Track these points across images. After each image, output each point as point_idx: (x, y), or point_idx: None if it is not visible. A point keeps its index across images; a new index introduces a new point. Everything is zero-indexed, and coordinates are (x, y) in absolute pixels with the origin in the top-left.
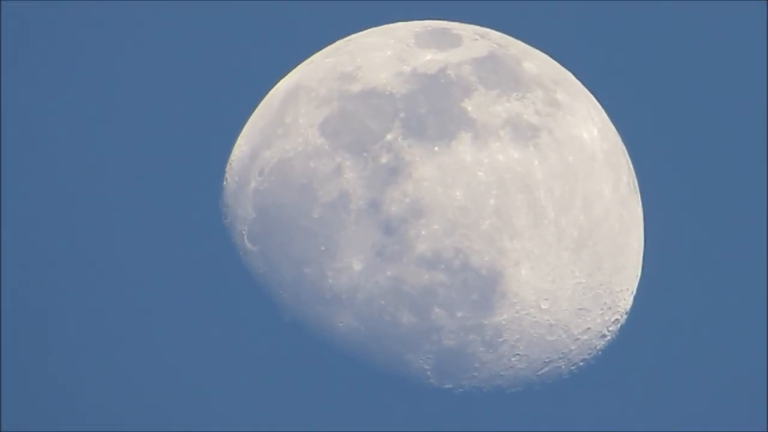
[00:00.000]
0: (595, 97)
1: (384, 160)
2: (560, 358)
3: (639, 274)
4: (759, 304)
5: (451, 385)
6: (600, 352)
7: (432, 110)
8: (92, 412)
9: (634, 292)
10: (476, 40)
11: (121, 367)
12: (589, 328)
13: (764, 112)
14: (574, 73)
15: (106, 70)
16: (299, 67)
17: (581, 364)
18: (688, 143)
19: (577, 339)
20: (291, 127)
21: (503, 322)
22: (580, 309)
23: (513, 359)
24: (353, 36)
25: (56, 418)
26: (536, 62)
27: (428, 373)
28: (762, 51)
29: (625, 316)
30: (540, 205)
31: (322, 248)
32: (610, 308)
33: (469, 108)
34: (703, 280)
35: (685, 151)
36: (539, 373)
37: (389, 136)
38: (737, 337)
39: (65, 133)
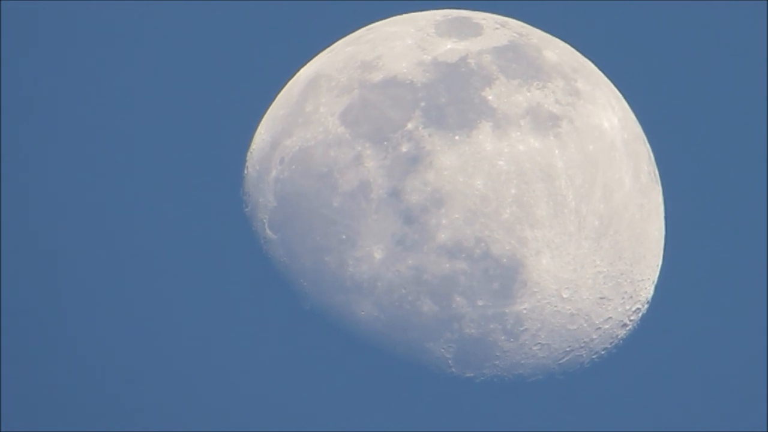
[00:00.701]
0: (616, 86)
1: (404, 149)
2: (581, 347)
3: (660, 264)
4: None
5: (472, 374)
6: (621, 341)
7: (452, 99)
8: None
9: (656, 282)
10: (497, 29)
11: (150, 350)
12: (611, 318)
13: None
14: (594, 62)
15: (128, 60)
16: (320, 55)
17: (603, 353)
18: (710, 132)
19: (599, 328)
20: (312, 115)
21: (524, 311)
22: (601, 298)
23: (534, 348)
24: (374, 25)
25: (64, 418)
26: (557, 51)
27: (449, 361)
28: None
29: (646, 306)
30: (560, 194)
31: (343, 237)
32: (631, 297)
33: (490, 97)
34: (724, 269)
35: (706, 141)
36: (560, 362)
37: (410, 125)
38: (760, 328)
39: (89, 124)
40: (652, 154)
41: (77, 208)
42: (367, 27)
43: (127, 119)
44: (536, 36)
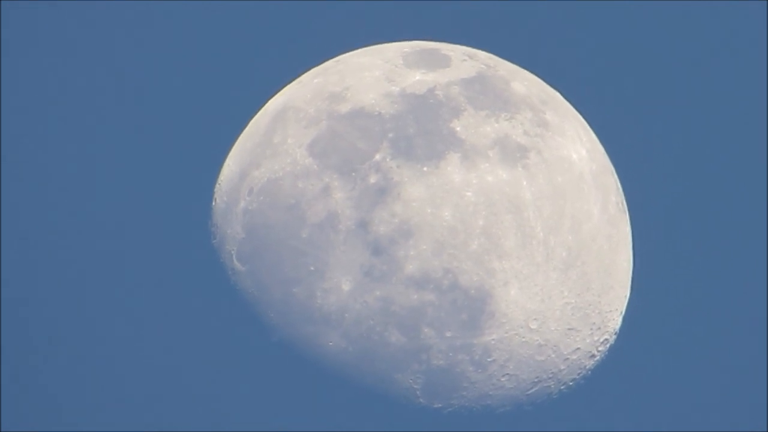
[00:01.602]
0: (584, 118)
1: (372, 180)
2: (550, 378)
3: (628, 294)
4: (748, 323)
5: (440, 405)
6: (589, 372)
7: (421, 131)
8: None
9: (623, 312)
10: (465, 61)
11: (113, 387)
12: (579, 348)
13: (757, 134)
14: (562, 94)
15: (96, 89)
16: (288, 87)
17: (571, 383)
18: (677, 164)
19: (567, 359)
20: (279, 147)
21: (492, 342)
22: (569, 329)
23: (502, 379)
24: (342, 56)
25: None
26: (525, 83)
27: (417, 392)
28: (751, 73)
29: (614, 336)
30: (529, 226)
31: (311, 268)
32: (599, 328)
33: (458, 128)
34: (691, 299)
35: (674, 172)
36: (529, 392)
37: (378, 156)
38: (727, 357)
39: (50, 158)
40: (620, 186)
41: (33, 240)
42: (336, 58)
43: (95, 149)
44: (504, 68)
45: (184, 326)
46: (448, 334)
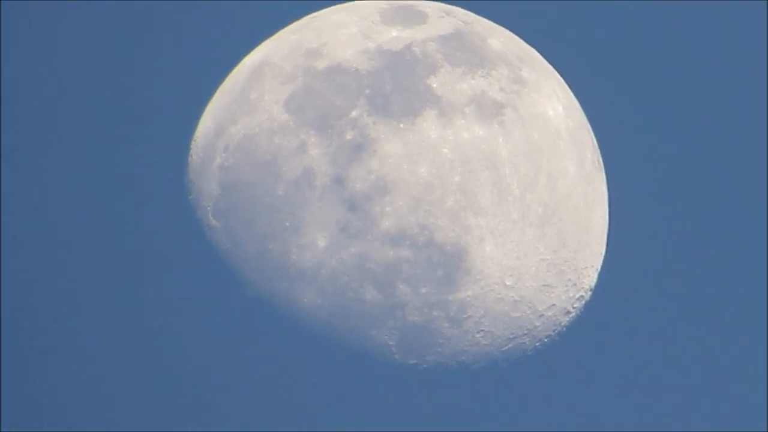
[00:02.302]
0: (561, 75)
1: (349, 136)
2: (525, 335)
3: (603, 251)
4: (723, 280)
5: (415, 361)
6: (564, 329)
7: (397, 87)
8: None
9: (599, 269)
10: (441, 18)
11: (88, 338)
12: (554, 305)
13: (728, 88)
14: (539, 51)
15: (71, 46)
16: (264, 43)
17: (546, 340)
18: (654, 120)
19: (542, 315)
20: (256, 103)
21: (468, 299)
22: (544, 285)
23: (477, 335)
24: (318, 13)
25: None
26: (501, 39)
27: (393, 348)
28: (719, 27)
29: (589, 293)
30: (505, 182)
31: (287, 224)
32: (574, 285)
33: (434, 85)
34: (667, 257)
35: (651, 129)
36: (504, 349)
37: (354, 113)
38: (701, 314)
39: (26, 111)
40: (596, 143)
41: (14, 195)
42: (312, 15)
43: (71, 108)
44: (481, 24)
45: (159, 281)
46: (424, 291)
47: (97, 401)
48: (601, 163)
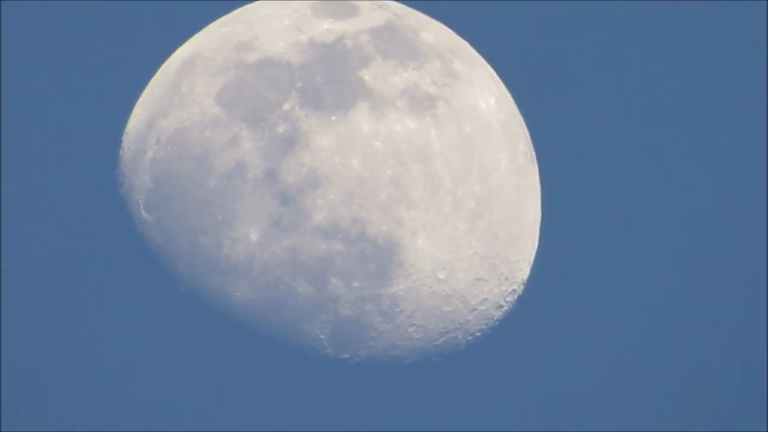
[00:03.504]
0: (493, 68)
1: (281, 129)
2: (457, 329)
3: (536, 245)
4: (660, 273)
5: (347, 355)
6: (497, 323)
7: (329, 80)
8: None
9: (531, 263)
10: (374, 10)
11: (18, 336)
12: (486, 299)
13: (664, 75)
14: (472, 44)
15: None
16: (196, 36)
17: (478, 334)
18: (586, 112)
19: (474, 309)
20: (187, 96)
21: (400, 293)
22: (477, 279)
23: (410, 329)
24: (249, 5)
25: None
26: (434, 32)
27: (324, 342)
28: (665, 12)
29: (522, 287)
30: (437, 176)
31: (219, 218)
32: (507, 279)
33: (367, 78)
34: (601, 249)
35: (582, 120)
36: (436, 343)
37: (286, 106)
38: (633, 304)
39: None
40: (528, 135)
41: None
42: (243, 7)
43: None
44: (414, 17)
45: (89, 275)
46: (356, 285)
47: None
48: (534, 156)
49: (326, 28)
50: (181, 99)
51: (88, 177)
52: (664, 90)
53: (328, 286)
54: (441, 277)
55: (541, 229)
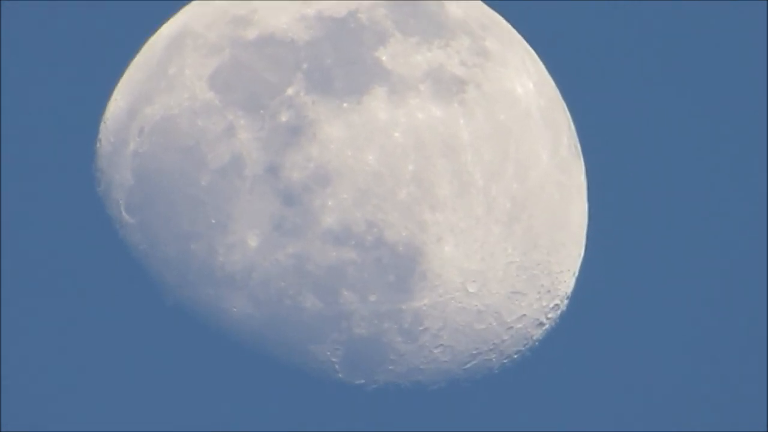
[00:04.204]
0: (531, 46)
1: (284, 118)
2: (491, 350)
3: (582, 253)
4: (717, 283)
5: (362, 381)
6: (537, 343)
7: (340, 60)
8: None
9: (577, 273)
10: None
11: None
12: (525, 315)
13: (727, 61)
14: (506, 18)
15: None
16: (185, 9)
17: (515, 356)
18: (641, 101)
19: (511, 328)
20: (176, 79)
21: (424, 308)
22: (513, 293)
23: (435, 351)
24: None
25: None
26: (462, 5)
27: (336, 366)
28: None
29: (566, 301)
30: (466, 172)
31: (212, 221)
32: (548, 292)
33: (384, 58)
34: (657, 258)
35: (636, 107)
36: (466, 366)
37: (290, 91)
38: (691, 319)
39: None
40: (572, 125)
41: None
42: None
43: None
44: None
45: (64, 287)
46: (372, 299)
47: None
48: (579, 149)
49: None
50: (168, 82)
51: (59, 173)
52: (735, 68)
53: (340, 300)
54: (471, 290)
55: (587, 235)
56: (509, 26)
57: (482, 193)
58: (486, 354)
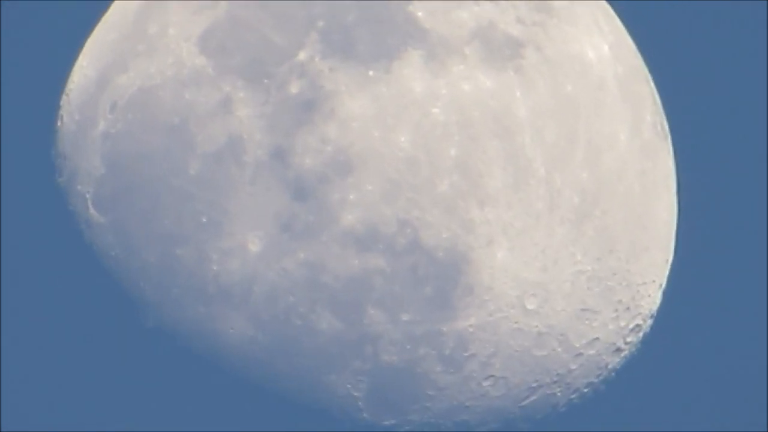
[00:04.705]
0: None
1: (294, 89)
2: (555, 383)
3: (670, 259)
4: None
5: (392, 422)
6: (614, 374)
7: (364, 16)
8: None
9: (663, 286)
10: None
11: None
12: (597, 339)
13: None
14: None
15: None
16: None
17: (586, 390)
18: (743, 71)
19: (579, 354)
20: (157, 40)
21: (470, 330)
22: (583, 310)
23: (485, 384)
24: None
25: None
26: None
27: (359, 403)
28: None
29: (649, 321)
30: (524, 157)
31: (203, 219)
32: (627, 309)
33: (420, 13)
34: (764, 268)
35: (738, 83)
36: (524, 403)
37: (302, 55)
38: None
39: None
40: (658, 99)
41: None
42: None
43: None
44: None
45: (16, 305)
46: (405, 318)
47: None
48: (666, 129)
49: None
50: (147, 44)
51: (8, 159)
52: None
53: (365, 319)
54: (530, 306)
55: (677, 236)
56: None
57: (544, 185)
58: (549, 387)
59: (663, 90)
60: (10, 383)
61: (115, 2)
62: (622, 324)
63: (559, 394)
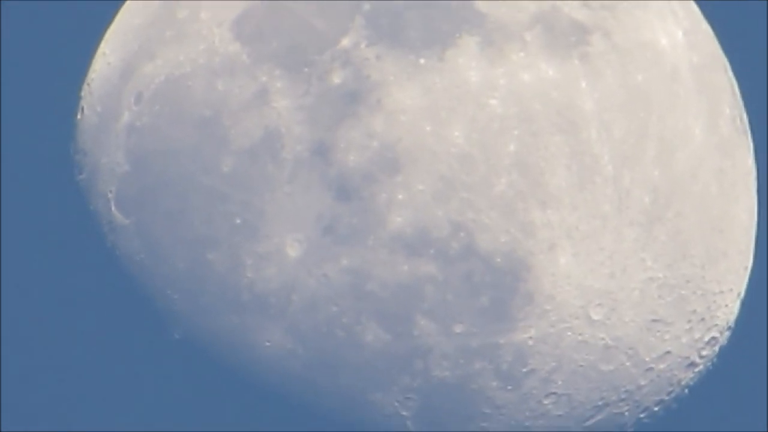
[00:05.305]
0: None
1: (337, 79)
2: (623, 400)
3: (749, 266)
4: None
5: None
6: (687, 390)
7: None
8: None
9: (742, 295)
10: None
11: None
12: (669, 352)
13: None
14: None
15: None
16: None
17: (657, 409)
18: None
19: (650, 369)
20: (187, 25)
21: (530, 342)
22: (654, 321)
23: (546, 401)
24: None
25: None
26: None
27: (408, 423)
28: None
29: (726, 334)
30: (590, 154)
31: (237, 221)
32: (702, 320)
33: None
34: None
35: None
36: (588, 423)
37: (346, 42)
38: None
39: None
40: (738, 91)
41: None
42: None
43: None
44: None
45: (35, 312)
46: (459, 329)
47: None
48: (746, 124)
49: None
50: (176, 30)
51: (25, 156)
52: None
53: (414, 331)
54: (596, 317)
55: (758, 241)
56: None
57: (611, 184)
58: (615, 406)
59: (743, 81)
60: (31, 397)
61: None
62: (697, 336)
63: (626, 413)
